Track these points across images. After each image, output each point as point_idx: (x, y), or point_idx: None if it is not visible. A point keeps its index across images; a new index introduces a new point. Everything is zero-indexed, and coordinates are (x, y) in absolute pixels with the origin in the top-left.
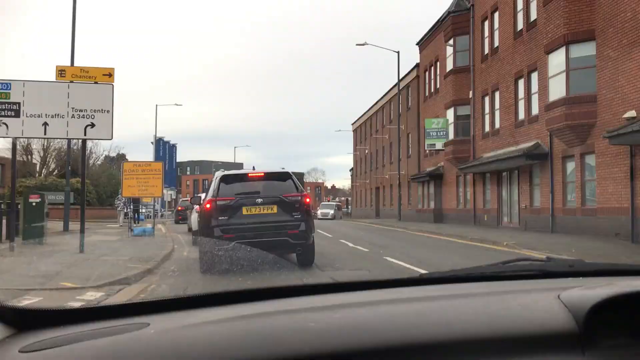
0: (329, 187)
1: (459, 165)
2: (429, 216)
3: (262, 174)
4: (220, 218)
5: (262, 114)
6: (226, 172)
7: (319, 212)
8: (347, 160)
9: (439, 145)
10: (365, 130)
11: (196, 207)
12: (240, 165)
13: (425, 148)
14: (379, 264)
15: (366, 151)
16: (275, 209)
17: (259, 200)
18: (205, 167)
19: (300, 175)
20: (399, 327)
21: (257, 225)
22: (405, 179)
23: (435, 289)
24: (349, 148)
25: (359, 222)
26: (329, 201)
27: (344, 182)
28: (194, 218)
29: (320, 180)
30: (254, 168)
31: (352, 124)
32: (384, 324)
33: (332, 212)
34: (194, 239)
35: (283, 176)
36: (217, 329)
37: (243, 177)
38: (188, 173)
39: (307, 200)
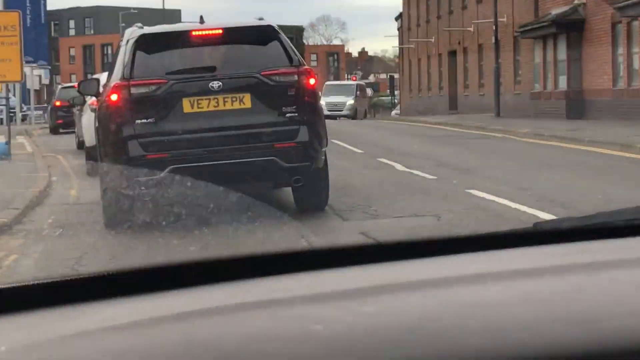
0: (355, 53)
1: (617, 0)
2: (555, 106)
3: (220, 30)
4: (138, 122)
5: None
6: (148, 30)
7: (322, 102)
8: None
9: None
10: None
11: (90, 101)
12: (175, 16)
13: None
14: (458, 204)
15: None
16: (247, 100)
17: (215, 84)
18: (107, 20)
19: (296, 33)
20: (506, 331)
21: (211, 134)
22: (507, 33)
23: (565, 250)
24: None
25: (415, 123)
26: (344, 82)
27: (383, 44)
28: (86, 122)
29: (336, 42)
30: (201, 20)
31: None
32: (469, 325)
33: (349, 101)
34: (89, 164)
35: (261, 34)
36: (130, 341)
37: (181, 39)
38: (72, 33)
39: (312, 80)
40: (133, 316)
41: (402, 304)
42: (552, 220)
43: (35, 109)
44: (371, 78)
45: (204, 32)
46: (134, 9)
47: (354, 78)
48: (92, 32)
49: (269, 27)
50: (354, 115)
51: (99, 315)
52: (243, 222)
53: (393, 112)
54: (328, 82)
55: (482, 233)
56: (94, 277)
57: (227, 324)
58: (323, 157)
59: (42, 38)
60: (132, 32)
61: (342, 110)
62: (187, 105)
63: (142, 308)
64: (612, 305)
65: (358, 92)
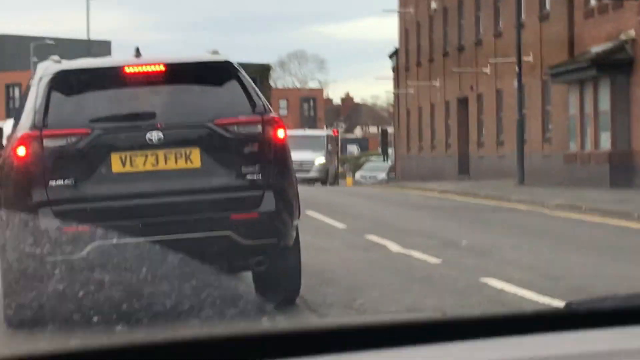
0: (337, 100)
1: None
2: (595, 171)
3: (161, 66)
4: (52, 183)
5: None
6: (68, 65)
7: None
8: (382, 30)
9: None
10: None
11: None
12: (103, 50)
13: None
14: (468, 297)
15: (432, 6)
16: (195, 157)
17: (154, 135)
18: (14, 53)
19: (260, 73)
20: None
21: (147, 201)
22: (535, 75)
23: (606, 335)
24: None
25: (415, 190)
26: (309, 132)
27: (373, 88)
28: None
29: (313, 85)
30: (137, 52)
31: None
32: None
33: (318, 158)
34: None
35: (216, 72)
36: None
37: (111, 77)
38: None
39: (280, 132)
40: None
41: None
42: (589, 300)
43: None
44: (358, 132)
45: (140, 69)
46: (50, 39)
47: (335, 132)
48: None
49: (226, 63)
50: (324, 178)
51: None
52: (188, 316)
53: (360, 175)
54: (293, 133)
55: (499, 314)
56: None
57: None
58: (294, 233)
59: None
60: (47, 68)
61: (309, 172)
62: (116, 163)
63: None
64: None
65: (329, 146)
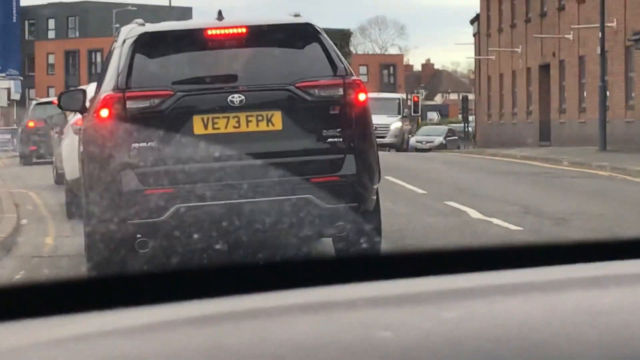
0: (417, 66)
1: None
2: None
3: (243, 28)
4: (135, 145)
5: None
6: (151, 28)
7: None
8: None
9: None
10: None
11: (74, 120)
12: (184, 16)
13: None
14: None
15: None
16: (276, 120)
17: (236, 98)
18: (97, 19)
19: (341, 38)
20: (632, 340)
21: (230, 163)
22: (618, 41)
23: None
24: None
25: (495, 157)
26: (383, 95)
27: (454, 54)
28: (67, 148)
29: (393, 51)
30: (220, 16)
31: None
32: (585, 334)
33: (394, 123)
34: (71, 203)
35: (297, 35)
36: (139, 346)
37: (193, 40)
38: (51, 36)
39: (362, 95)
40: (145, 320)
41: (494, 309)
42: None
43: (2, 132)
44: (438, 99)
45: (222, 31)
46: (132, 5)
47: (416, 98)
48: (77, 34)
49: (308, 25)
50: (400, 143)
51: (104, 320)
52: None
53: (415, 140)
54: (372, 95)
55: (587, 240)
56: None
57: (264, 328)
58: (374, 197)
59: (12, 41)
60: (131, 30)
61: (384, 137)
62: (199, 125)
63: (157, 313)
64: None
65: (404, 110)
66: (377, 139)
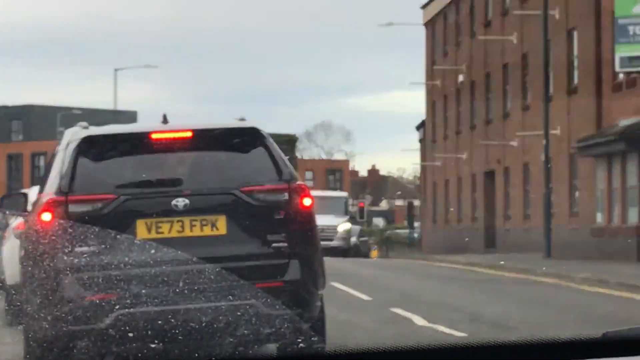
0: (363, 172)
1: None
2: (623, 245)
3: (188, 132)
4: (77, 250)
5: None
6: (95, 131)
7: None
8: (409, 102)
9: None
10: (455, 23)
11: (15, 223)
12: (129, 120)
13: (616, 68)
14: None
15: (460, 79)
16: (221, 224)
17: (180, 202)
18: (41, 123)
19: (286, 143)
20: None
21: (175, 268)
22: (562, 149)
23: None
24: (413, 72)
25: (441, 263)
26: (329, 192)
27: (399, 161)
28: (7, 252)
29: (339, 157)
30: (164, 119)
31: (423, 7)
32: None
33: (342, 224)
34: (10, 309)
35: (243, 139)
36: None
37: (138, 143)
38: None
39: (307, 200)
40: None
41: None
42: (622, 330)
43: None
44: (384, 204)
45: (167, 135)
46: (77, 109)
47: (362, 204)
48: (20, 137)
49: (253, 129)
50: (348, 247)
51: None
52: None
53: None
54: (315, 193)
55: (535, 339)
56: None
57: None
58: (319, 304)
59: None
60: (75, 133)
61: (331, 240)
62: (142, 230)
63: None
64: None
65: (349, 211)
66: (323, 242)
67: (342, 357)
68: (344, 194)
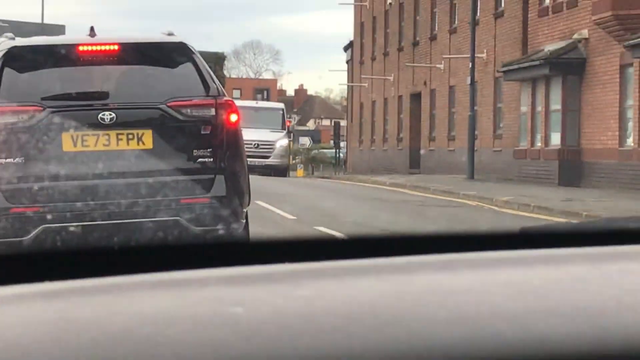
0: (290, 91)
1: (628, 35)
2: (545, 168)
3: (115, 45)
4: (1, 161)
5: None
6: (21, 42)
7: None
8: (338, 23)
9: None
10: None
11: None
12: (58, 30)
13: None
14: None
15: (389, 0)
16: (147, 139)
17: (107, 115)
18: None
19: (215, 61)
20: (481, 321)
21: (98, 182)
22: (487, 72)
23: (560, 253)
24: None
25: (365, 184)
26: (264, 103)
27: (327, 80)
28: None
29: (267, 76)
30: (92, 32)
31: None
32: (434, 313)
33: (280, 140)
34: None
35: (170, 53)
36: None
37: (64, 55)
38: None
39: (233, 116)
40: None
41: (346, 288)
42: (544, 225)
43: None
44: (311, 124)
45: (94, 47)
46: (3, 21)
47: (289, 123)
48: None
49: (181, 44)
50: (286, 167)
51: None
52: None
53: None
54: (241, 103)
55: (460, 232)
56: None
57: (114, 303)
58: (244, 221)
59: None
60: (0, 44)
61: (267, 157)
62: (67, 142)
63: (11, 290)
64: (621, 297)
65: (283, 123)
66: (260, 160)
67: (257, 245)
68: (280, 105)
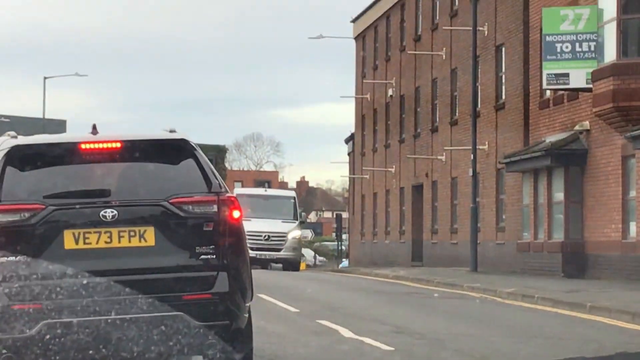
0: (292, 183)
1: (629, 127)
2: (548, 260)
3: (117, 143)
4: (3, 260)
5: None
6: (23, 141)
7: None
8: (339, 115)
9: (577, 77)
10: (386, 37)
11: None
12: (59, 129)
13: (544, 85)
14: None
15: (389, 93)
16: (149, 236)
17: (109, 213)
18: None
19: (216, 154)
20: None
21: (100, 279)
22: (489, 164)
23: None
24: (343, 85)
25: (367, 276)
26: (276, 191)
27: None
28: None
29: (268, 168)
30: (94, 129)
31: (353, 21)
32: None
33: (292, 232)
34: None
35: (172, 150)
36: None
37: (66, 153)
38: None
39: (236, 212)
40: None
41: None
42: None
43: None
44: (312, 217)
45: (96, 145)
46: (5, 117)
47: (307, 216)
48: None
49: (183, 141)
50: (297, 261)
51: None
52: None
53: (343, 264)
54: (240, 191)
55: None
56: None
57: None
58: (247, 315)
59: None
60: (2, 143)
61: (279, 250)
62: (69, 240)
63: None
64: None
65: (301, 217)
66: (270, 252)
67: None
68: (291, 193)
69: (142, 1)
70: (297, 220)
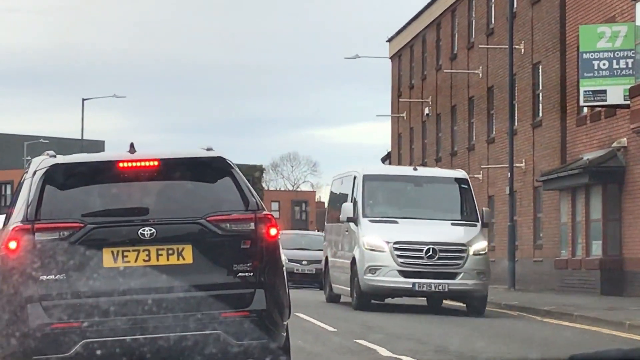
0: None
1: None
2: (586, 278)
3: (155, 161)
4: (43, 278)
5: (158, 25)
6: (62, 160)
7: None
8: (375, 134)
9: (614, 94)
10: (421, 56)
11: None
12: (96, 150)
13: (581, 102)
14: None
15: (426, 111)
16: (187, 254)
17: (147, 231)
18: (7, 151)
19: (252, 174)
20: None
21: (139, 297)
22: (526, 182)
23: None
24: (379, 104)
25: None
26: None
27: None
28: None
29: (305, 188)
30: (132, 148)
31: (390, 41)
32: None
33: (475, 238)
34: None
35: (209, 168)
36: None
37: (105, 172)
38: None
39: (273, 230)
40: None
41: None
42: (593, 352)
43: None
44: None
45: (134, 164)
46: (44, 138)
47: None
48: None
49: (220, 159)
50: (484, 294)
51: None
52: None
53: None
54: (369, 170)
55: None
56: None
57: None
58: (284, 334)
59: None
60: (42, 162)
61: (454, 275)
62: (108, 258)
63: None
64: None
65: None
66: (438, 281)
67: None
68: (461, 173)
69: (182, 25)
70: (478, 221)
